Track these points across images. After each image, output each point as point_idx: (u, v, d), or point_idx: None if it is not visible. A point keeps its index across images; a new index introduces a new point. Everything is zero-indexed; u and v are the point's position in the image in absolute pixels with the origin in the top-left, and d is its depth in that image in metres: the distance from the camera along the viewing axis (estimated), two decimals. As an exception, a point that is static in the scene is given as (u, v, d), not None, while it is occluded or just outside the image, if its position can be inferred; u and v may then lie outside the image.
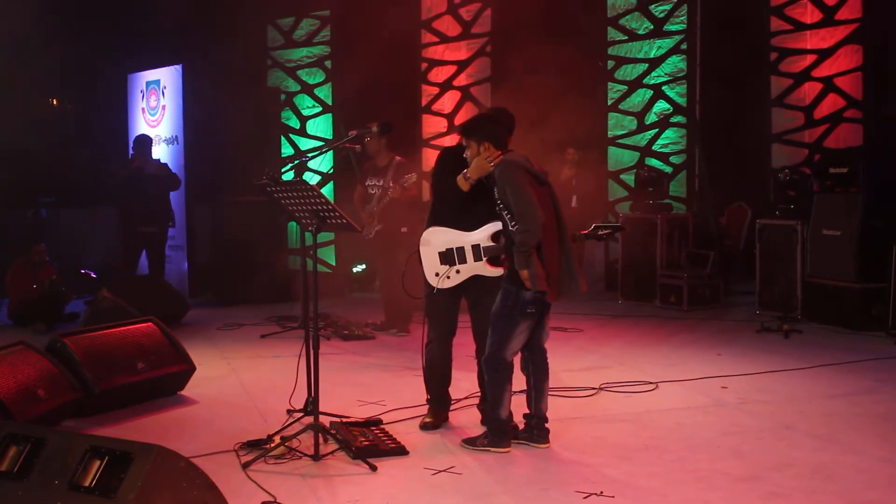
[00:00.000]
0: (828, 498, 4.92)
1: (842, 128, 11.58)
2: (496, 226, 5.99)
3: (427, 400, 6.47)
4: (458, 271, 6.11)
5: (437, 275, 6.16)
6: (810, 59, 11.88)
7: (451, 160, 6.21)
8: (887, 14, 10.65)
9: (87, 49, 14.05)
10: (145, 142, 12.12)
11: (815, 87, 11.82)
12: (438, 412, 6.42)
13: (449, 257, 6.13)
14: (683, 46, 12.51)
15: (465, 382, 6.81)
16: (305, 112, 14.13)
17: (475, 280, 6.13)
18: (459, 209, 6.14)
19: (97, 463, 3.73)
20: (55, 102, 16.72)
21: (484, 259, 6.05)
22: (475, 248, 6.07)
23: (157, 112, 13.43)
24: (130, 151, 12.23)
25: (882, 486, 5.12)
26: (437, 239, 6.18)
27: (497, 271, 6.01)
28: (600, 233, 6.28)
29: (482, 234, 6.07)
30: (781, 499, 4.92)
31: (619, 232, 6.49)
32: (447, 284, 6.13)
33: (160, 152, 12.97)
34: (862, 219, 9.78)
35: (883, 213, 9.65)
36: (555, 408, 6.83)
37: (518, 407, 6.07)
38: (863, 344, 9.12)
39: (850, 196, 9.95)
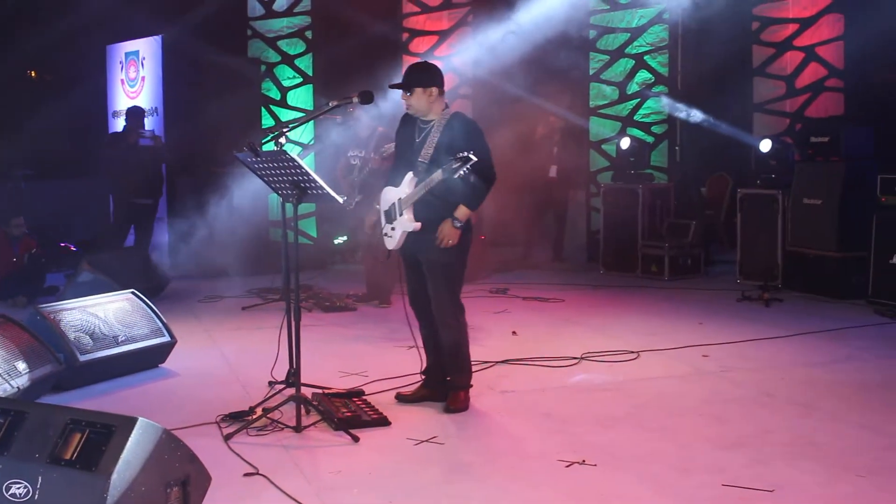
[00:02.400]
0: (808, 464, 4.95)
1: (823, 97, 11.58)
2: (410, 177, 5.94)
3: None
4: (393, 228, 6.05)
5: (386, 235, 6.15)
6: (792, 28, 11.86)
7: (406, 119, 6.22)
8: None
9: (66, 20, 13.93)
10: (139, 113, 12.05)
11: (797, 57, 11.80)
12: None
13: (389, 215, 6.10)
14: (666, 16, 12.47)
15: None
16: (286, 83, 14.05)
17: (412, 237, 6.04)
18: (402, 165, 6.12)
19: (78, 436, 3.71)
20: (34, 74, 16.61)
21: (405, 212, 5.96)
22: (400, 201, 6.00)
23: (136, 83, 13.34)
24: (110, 124, 12.17)
25: (861, 452, 5.15)
26: (384, 198, 6.15)
27: (415, 226, 5.91)
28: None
29: (403, 188, 5.98)
30: (762, 465, 4.95)
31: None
32: (391, 245, 6.07)
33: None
34: (843, 188, 9.81)
35: (863, 182, 9.66)
36: (537, 378, 6.88)
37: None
38: (843, 312, 9.17)
39: (830, 165, 9.99)
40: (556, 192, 12.88)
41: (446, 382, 6.15)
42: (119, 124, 13.63)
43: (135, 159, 11.63)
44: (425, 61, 6.41)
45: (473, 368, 6.28)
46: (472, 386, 6.18)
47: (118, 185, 11.92)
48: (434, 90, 5.98)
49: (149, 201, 11.83)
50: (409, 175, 5.94)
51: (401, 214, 5.95)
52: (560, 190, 12.94)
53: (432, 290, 6.02)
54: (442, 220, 5.86)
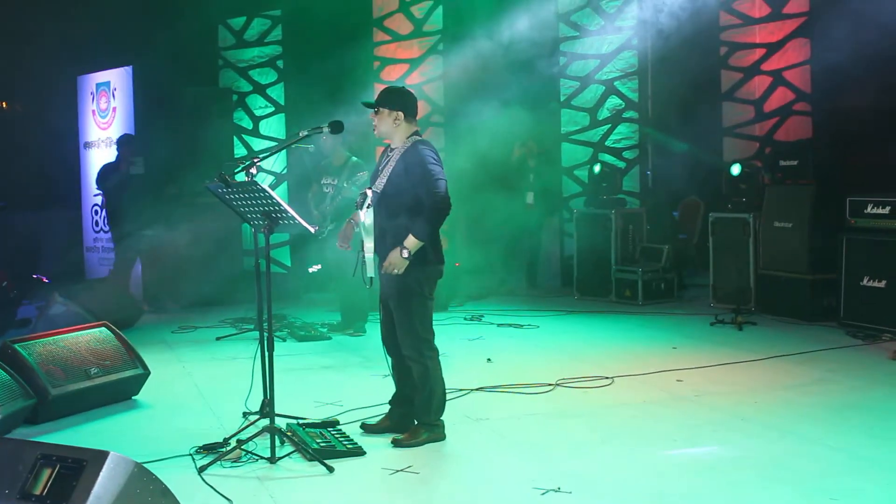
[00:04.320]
0: (783, 488, 4.97)
1: (791, 121, 11.69)
2: (367, 204, 5.92)
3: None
4: (363, 256, 6.00)
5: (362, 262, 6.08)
6: (759, 52, 11.98)
7: (382, 154, 6.22)
8: (833, 7, 10.75)
9: (36, 51, 13.89)
10: (129, 141, 12.03)
11: (765, 81, 11.92)
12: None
13: (356, 243, 6.11)
14: (634, 42, 12.57)
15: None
16: (258, 112, 14.05)
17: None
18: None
19: (49, 471, 3.69)
20: (4, 105, 16.52)
21: (365, 240, 5.93)
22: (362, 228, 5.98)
23: (107, 114, 13.31)
24: (81, 155, 12.12)
25: (835, 474, 5.18)
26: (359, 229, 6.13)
27: (368, 252, 5.90)
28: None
29: (362, 216, 5.96)
30: (738, 489, 4.96)
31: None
32: (370, 271, 5.98)
33: (111, 155, 12.84)
34: (812, 211, 9.90)
35: (832, 204, 9.75)
36: (511, 404, 6.87)
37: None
38: (815, 334, 9.23)
39: (800, 188, 10.08)
40: (531, 218, 12.92)
41: (410, 413, 6.11)
42: (91, 155, 13.60)
43: (126, 189, 11.63)
44: (400, 87, 6.41)
45: (449, 397, 6.24)
46: (437, 424, 6.02)
47: (119, 217, 11.91)
48: (400, 114, 5.96)
49: (150, 232, 11.79)
50: (363, 211, 5.94)
51: (364, 244, 5.94)
52: (535, 216, 12.98)
53: (396, 323, 5.98)
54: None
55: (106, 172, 12.03)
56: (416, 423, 6.04)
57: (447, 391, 6.19)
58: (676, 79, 12.11)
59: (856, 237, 9.39)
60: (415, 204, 5.79)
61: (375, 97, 6.07)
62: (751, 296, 10.51)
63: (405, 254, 5.75)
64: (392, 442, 5.94)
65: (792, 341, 8.92)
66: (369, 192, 5.94)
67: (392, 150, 6.05)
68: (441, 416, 6.07)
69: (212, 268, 12.01)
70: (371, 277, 5.98)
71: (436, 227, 5.89)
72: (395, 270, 5.79)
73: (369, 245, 5.90)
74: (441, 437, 6.02)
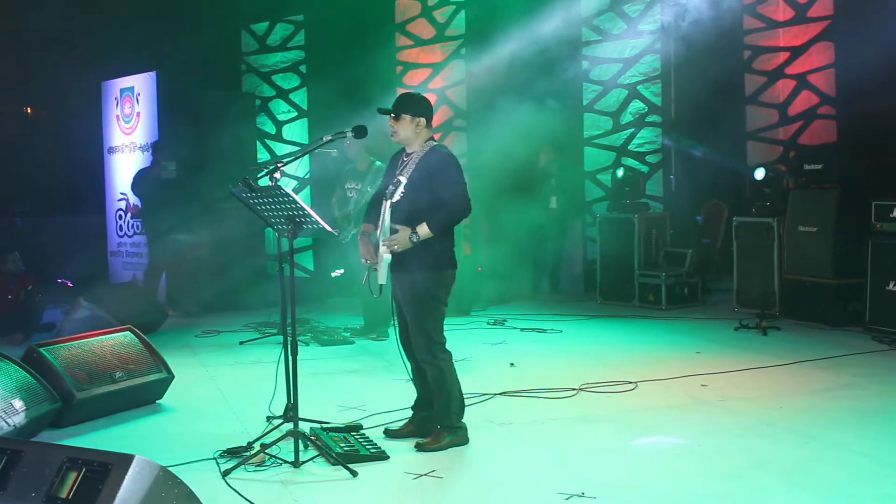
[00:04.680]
0: (808, 494, 4.93)
1: (815, 124, 11.64)
2: (386, 208, 5.94)
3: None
4: (374, 264, 6.03)
5: (374, 270, 6.10)
6: (783, 56, 11.93)
7: (396, 153, 6.25)
8: (858, 11, 10.70)
9: (61, 56, 13.98)
10: (161, 146, 12.10)
11: (789, 85, 11.87)
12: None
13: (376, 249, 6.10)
14: (657, 46, 12.54)
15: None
16: (281, 117, 14.10)
17: (394, 276, 6.05)
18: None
19: (74, 475, 3.70)
20: (29, 110, 16.64)
21: (381, 243, 5.95)
22: (378, 234, 6.01)
23: (131, 119, 13.36)
24: (105, 160, 12.18)
25: (861, 481, 5.14)
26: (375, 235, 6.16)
27: (386, 255, 5.89)
28: None
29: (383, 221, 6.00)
30: (763, 495, 4.93)
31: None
32: (381, 279, 5.99)
33: (136, 159, 12.92)
34: (837, 215, 9.83)
35: (857, 208, 9.68)
36: (534, 409, 6.86)
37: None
38: (841, 340, 9.17)
39: (825, 192, 10.01)
40: (555, 222, 12.90)
41: (432, 417, 6.11)
42: (115, 160, 13.66)
43: (160, 193, 11.70)
44: (417, 93, 6.43)
45: (471, 401, 6.25)
46: (459, 427, 6.04)
47: (150, 220, 11.99)
48: (422, 121, 5.99)
49: (183, 236, 11.85)
50: (385, 205, 5.97)
51: (380, 247, 5.96)
52: (559, 220, 12.96)
53: (410, 326, 6.00)
54: (415, 257, 5.85)
55: (140, 177, 12.11)
56: (438, 427, 6.04)
57: (470, 395, 6.20)
58: (700, 83, 12.06)
59: (881, 241, 9.32)
60: (432, 207, 5.79)
61: (394, 103, 6.06)
62: (775, 300, 10.45)
63: (413, 238, 5.77)
64: (416, 446, 5.93)
65: (817, 346, 8.87)
66: (402, 179, 5.94)
67: (409, 154, 6.06)
68: (462, 417, 6.06)
69: (235, 272, 12.08)
70: (382, 285, 5.99)
71: (450, 226, 5.92)
72: (396, 247, 5.80)
73: (382, 249, 5.90)
74: (464, 440, 6.01)
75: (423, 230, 5.77)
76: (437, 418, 6.04)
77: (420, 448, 5.91)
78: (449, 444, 5.94)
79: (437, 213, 5.80)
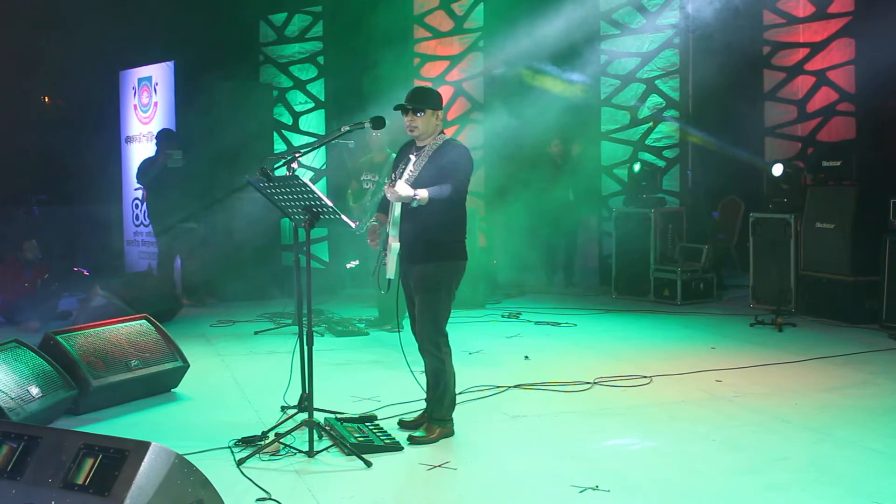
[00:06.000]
0: (823, 490, 4.92)
1: (834, 121, 11.58)
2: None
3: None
4: (383, 259, 6.02)
5: (384, 265, 6.07)
6: (803, 52, 11.88)
7: (405, 145, 6.26)
8: (878, 7, 10.64)
9: (79, 46, 14.01)
10: (168, 135, 12.09)
11: (808, 81, 11.82)
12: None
13: (384, 243, 6.06)
14: (676, 41, 12.49)
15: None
16: (298, 108, 14.11)
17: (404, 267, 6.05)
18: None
19: (91, 461, 3.71)
20: (47, 100, 16.70)
21: (390, 235, 5.93)
22: (387, 227, 6.00)
23: (149, 109, 13.40)
24: (123, 150, 12.20)
25: (877, 477, 5.12)
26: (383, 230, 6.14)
27: (395, 244, 5.87)
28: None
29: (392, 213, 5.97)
30: (777, 491, 4.92)
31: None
32: (389, 273, 5.97)
33: (151, 149, 12.94)
34: (855, 212, 9.79)
35: (875, 205, 9.64)
36: (549, 402, 6.85)
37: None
38: (857, 337, 9.13)
39: (843, 189, 9.97)
40: (570, 215, 12.88)
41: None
42: (133, 150, 13.70)
43: (165, 182, 11.71)
44: (429, 87, 6.43)
45: (486, 394, 6.25)
46: (449, 420, 6.06)
47: (156, 209, 12.00)
48: (440, 114, 6.05)
49: (193, 225, 11.86)
50: (410, 166, 5.98)
51: (389, 238, 5.94)
52: (573, 213, 12.95)
53: (418, 314, 6.03)
54: (425, 245, 5.87)
55: (145, 167, 12.11)
56: (428, 419, 6.06)
57: (484, 388, 6.20)
58: (718, 78, 12.01)
59: (899, 239, 9.29)
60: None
61: (412, 98, 6.04)
62: (791, 297, 10.41)
63: (416, 195, 5.67)
64: (409, 439, 5.91)
65: (833, 343, 8.84)
66: (412, 157, 5.94)
67: (420, 147, 6.05)
68: (452, 412, 6.09)
69: (250, 262, 12.11)
70: (390, 280, 5.98)
71: (441, 198, 5.77)
72: (393, 192, 5.72)
73: (391, 240, 5.88)
74: (451, 432, 6.04)
75: (424, 194, 5.70)
76: (430, 409, 6.09)
77: (413, 441, 5.90)
78: (439, 436, 5.97)
79: (443, 187, 5.75)
